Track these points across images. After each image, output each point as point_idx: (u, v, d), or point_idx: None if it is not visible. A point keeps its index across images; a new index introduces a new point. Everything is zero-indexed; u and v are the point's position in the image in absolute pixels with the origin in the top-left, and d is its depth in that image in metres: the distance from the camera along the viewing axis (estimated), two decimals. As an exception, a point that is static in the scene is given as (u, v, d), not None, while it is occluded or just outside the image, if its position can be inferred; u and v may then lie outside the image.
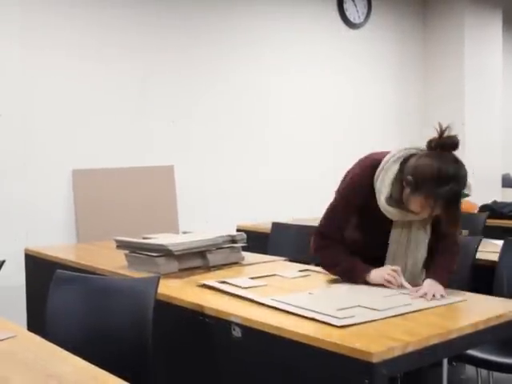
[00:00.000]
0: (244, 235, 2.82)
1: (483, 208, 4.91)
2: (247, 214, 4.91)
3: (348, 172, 2.33)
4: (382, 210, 2.17)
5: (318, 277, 2.42)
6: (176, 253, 2.52)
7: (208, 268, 2.65)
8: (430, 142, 2.12)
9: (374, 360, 1.52)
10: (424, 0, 6.65)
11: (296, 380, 1.74)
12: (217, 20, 5.06)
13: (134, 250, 2.67)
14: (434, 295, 2.06)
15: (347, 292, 2.16)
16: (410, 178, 2.08)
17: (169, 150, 4.78)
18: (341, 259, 2.29)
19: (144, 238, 2.97)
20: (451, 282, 2.20)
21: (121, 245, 2.75)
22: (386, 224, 2.25)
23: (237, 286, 2.26)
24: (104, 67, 4.47)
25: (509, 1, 6.90)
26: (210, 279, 2.38)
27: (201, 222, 4.73)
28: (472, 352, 2.45)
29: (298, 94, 5.59)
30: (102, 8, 4.45)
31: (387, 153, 2.23)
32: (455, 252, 2.30)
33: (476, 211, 4.99)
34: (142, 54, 4.66)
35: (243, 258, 2.82)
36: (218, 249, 2.70)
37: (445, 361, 2.64)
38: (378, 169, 2.19)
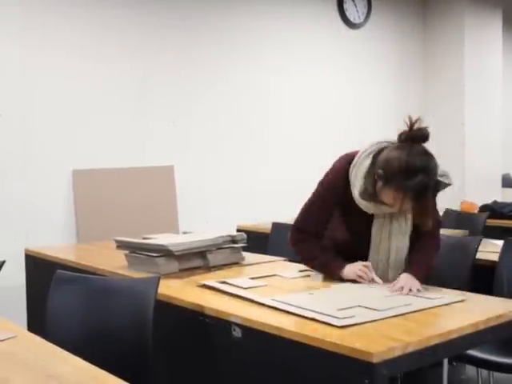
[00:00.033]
0: (244, 235, 2.82)
1: (483, 208, 4.91)
2: (247, 214, 4.91)
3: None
4: (356, 203, 2.23)
5: (317, 277, 2.41)
6: (176, 253, 2.52)
7: (208, 268, 2.65)
8: (400, 135, 2.16)
9: (375, 360, 1.52)
10: (424, 0, 6.65)
11: (296, 380, 1.74)
12: (217, 20, 5.06)
13: (134, 250, 2.67)
14: (410, 289, 2.10)
15: (347, 292, 2.16)
16: (380, 171, 2.13)
17: (169, 149, 4.78)
18: (317, 254, 2.36)
19: (144, 238, 2.97)
20: (450, 282, 2.20)
21: (121, 245, 2.75)
22: (369, 220, 2.30)
23: (237, 286, 2.26)
24: (104, 67, 4.47)
25: (509, 1, 6.90)
26: (211, 279, 2.38)
27: (201, 222, 4.73)
28: (472, 352, 2.45)
29: (298, 94, 5.59)
30: (102, 8, 4.45)
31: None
32: (433, 247, 2.33)
33: (476, 211, 5.00)
34: (142, 54, 4.66)
35: (243, 258, 2.82)
36: (218, 249, 2.70)
37: (445, 361, 2.64)
38: (352, 164, 2.24)
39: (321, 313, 1.83)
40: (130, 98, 4.61)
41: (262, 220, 4.52)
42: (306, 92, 5.65)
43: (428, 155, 2.11)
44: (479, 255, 2.89)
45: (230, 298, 2.14)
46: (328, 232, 2.39)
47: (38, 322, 2.38)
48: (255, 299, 2.05)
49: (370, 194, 2.20)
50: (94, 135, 4.43)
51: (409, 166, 2.05)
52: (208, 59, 5.00)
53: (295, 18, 5.56)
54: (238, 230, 3.59)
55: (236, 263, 2.77)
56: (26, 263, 3.43)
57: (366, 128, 6.04)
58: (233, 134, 5.16)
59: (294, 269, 2.61)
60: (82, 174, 4.31)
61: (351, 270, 2.26)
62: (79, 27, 4.35)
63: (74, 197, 4.29)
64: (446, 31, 6.50)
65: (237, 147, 5.18)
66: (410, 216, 2.28)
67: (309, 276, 2.46)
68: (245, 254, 2.85)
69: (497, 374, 2.82)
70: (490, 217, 4.42)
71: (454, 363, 3.15)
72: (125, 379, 1.40)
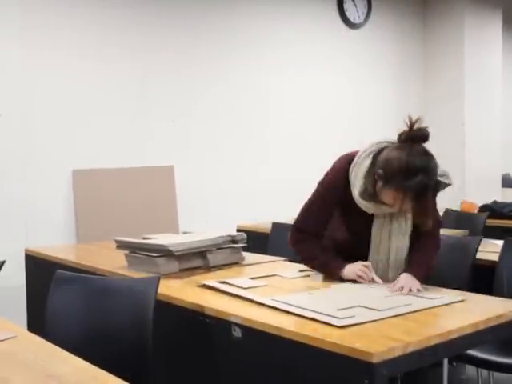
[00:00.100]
0: (244, 235, 2.82)
1: (483, 208, 4.91)
2: (247, 214, 4.91)
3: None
4: (356, 203, 2.23)
5: (317, 277, 2.42)
6: (176, 253, 2.52)
7: (208, 268, 2.65)
8: (400, 135, 2.16)
9: (374, 360, 1.52)
10: (424, 0, 6.65)
11: (296, 380, 1.74)
12: (217, 20, 5.06)
13: (134, 251, 2.67)
14: (410, 289, 2.10)
15: (347, 292, 2.16)
16: (380, 171, 2.13)
17: (169, 150, 4.78)
18: (317, 254, 2.36)
19: (144, 238, 2.97)
20: (450, 282, 2.20)
21: (121, 245, 2.75)
22: (369, 220, 2.30)
23: (237, 286, 2.26)
24: (104, 67, 4.47)
25: (509, 1, 6.90)
26: (211, 279, 2.38)
27: (201, 221, 4.73)
28: (472, 352, 2.45)
29: (298, 94, 5.59)
30: (102, 8, 4.45)
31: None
32: (433, 247, 2.34)
33: (476, 211, 5.00)
34: (142, 54, 4.66)
35: (243, 259, 2.82)
36: (218, 249, 2.70)
37: (445, 361, 2.64)
38: (352, 164, 2.24)
39: (321, 313, 1.83)
40: (129, 97, 4.61)
41: (262, 220, 4.52)
42: (306, 92, 5.65)
43: (428, 155, 2.11)
44: (479, 255, 2.89)
45: (230, 298, 2.14)
46: (328, 232, 2.39)
47: (38, 322, 2.38)
48: (255, 299, 2.05)
49: (370, 193, 2.20)
50: (94, 135, 4.43)
51: (409, 166, 2.05)
52: (208, 59, 5.00)
53: (295, 17, 5.56)
54: (238, 230, 3.59)
55: (236, 263, 2.77)
56: (26, 263, 3.43)
57: (365, 128, 6.04)
58: (233, 134, 5.16)
59: (293, 269, 2.61)
60: (81, 174, 4.31)
61: (351, 270, 2.26)
62: (79, 27, 4.35)
63: (73, 197, 4.29)
64: (446, 31, 6.50)
65: (237, 147, 5.18)
66: (410, 216, 2.28)
67: (309, 276, 2.46)
68: (245, 253, 2.85)
69: (497, 374, 2.82)
70: (489, 217, 4.42)
71: (454, 363, 3.15)
72: (125, 379, 1.40)
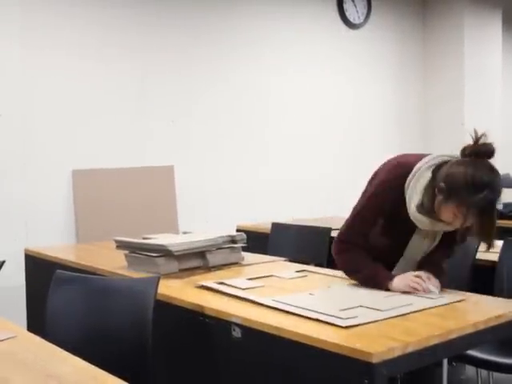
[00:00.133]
0: (244, 235, 2.81)
1: (483, 208, 4.90)
2: (247, 213, 4.91)
3: (375, 174, 2.27)
4: (411, 218, 2.11)
5: (315, 277, 2.42)
6: (176, 253, 2.52)
7: (208, 268, 2.64)
8: (464, 150, 2.06)
9: (374, 360, 1.52)
10: (424, 0, 6.65)
11: (296, 380, 1.74)
12: (217, 20, 5.06)
13: (134, 251, 2.67)
14: (427, 279, 2.08)
15: (347, 292, 2.16)
16: (442, 184, 2.00)
17: (169, 150, 4.78)
18: (362, 266, 2.21)
19: (144, 238, 2.97)
20: (450, 282, 2.20)
21: (121, 245, 2.75)
22: (410, 231, 2.20)
23: (235, 287, 2.26)
24: (104, 67, 4.47)
25: (509, 1, 6.90)
26: (210, 280, 2.38)
27: (201, 221, 4.73)
28: (472, 352, 2.45)
29: (297, 94, 5.59)
30: (102, 8, 4.45)
31: (415, 156, 2.17)
32: (446, 257, 2.29)
33: (476, 211, 4.99)
34: (142, 54, 4.66)
35: (243, 259, 2.81)
36: (217, 249, 2.69)
37: (445, 361, 2.64)
38: (410, 175, 2.11)
39: (324, 313, 1.83)
40: (129, 97, 4.61)
41: (262, 220, 4.52)
42: (306, 92, 5.65)
43: (494, 171, 2.03)
44: (479, 255, 2.88)
45: (230, 298, 2.14)
46: None
47: (38, 322, 2.38)
48: (256, 300, 2.05)
49: (427, 209, 2.08)
50: (94, 135, 4.43)
51: (475, 181, 1.95)
52: (208, 59, 5.00)
53: (295, 17, 5.56)
54: (238, 230, 3.59)
55: (236, 263, 2.77)
56: (26, 263, 3.43)
57: (365, 128, 6.04)
58: (233, 134, 5.16)
59: (291, 269, 2.61)
60: (81, 174, 4.31)
61: (402, 282, 2.12)
62: (79, 27, 4.35)
63: (73, 197, 4.29)
64: (446, 31, 6.50)
65: (237, 147, 5.18)
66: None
67: (306, 276, 2.45)
68: (244, 254, 2.84)
69: (496, 374, 2.81)
70: (489, 217, 4.41)
71: (454, 363, 3.15)
72: (124, 379, 1.40)
